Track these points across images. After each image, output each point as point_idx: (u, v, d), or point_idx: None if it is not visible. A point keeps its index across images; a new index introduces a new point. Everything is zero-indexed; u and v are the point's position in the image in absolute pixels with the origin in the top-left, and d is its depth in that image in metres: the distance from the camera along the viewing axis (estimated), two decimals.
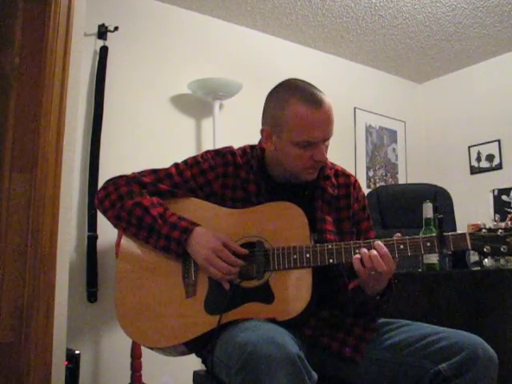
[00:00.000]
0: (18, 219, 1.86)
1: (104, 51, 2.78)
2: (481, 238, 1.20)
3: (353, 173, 1.55)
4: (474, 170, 3.86)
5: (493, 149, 3.75)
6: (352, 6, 3.17)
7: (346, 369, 1.31)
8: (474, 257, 2.02)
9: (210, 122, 3.08)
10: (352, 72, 3.92)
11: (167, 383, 2.69)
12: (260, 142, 1.46)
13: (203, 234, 1.31)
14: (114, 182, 1.42)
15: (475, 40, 3.57)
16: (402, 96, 4.21)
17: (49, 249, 1.86)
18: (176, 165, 1.45)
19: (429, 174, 4.03)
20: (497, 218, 2.76)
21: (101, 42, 2.79)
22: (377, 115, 3.98)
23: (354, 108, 3.87)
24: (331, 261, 1.26)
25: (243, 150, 1.48)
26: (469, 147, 3.89)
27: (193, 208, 1.40)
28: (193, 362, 1.83)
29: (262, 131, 1.39)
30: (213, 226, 1.34)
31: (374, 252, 1.21)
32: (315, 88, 1.35)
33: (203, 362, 1.42)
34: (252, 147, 1.48)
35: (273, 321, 1.21)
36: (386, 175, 3.99)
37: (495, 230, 1.20)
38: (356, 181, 1.50)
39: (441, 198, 2.77)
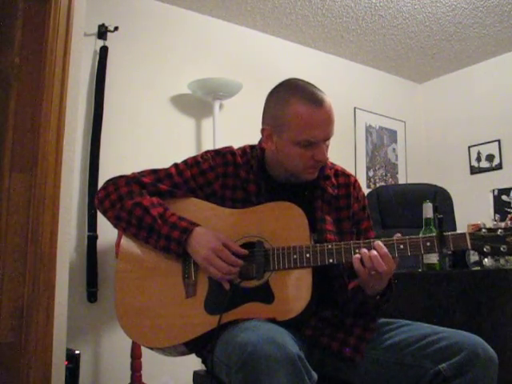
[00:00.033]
0: (18, 219, 1.86)
1: (104, 51, 2.78)
2: (481, 237, 1.20)
3: (353, 173, 1.55)
4: (474, 170, 3.86)
5: (493, 149, 3.75)
6: (352, 6, 3.17)
7: (345, 369, 1.31)
8: (474, 257, 2.01)
9: (210, 122, 3.08)
10: (352, 72, 3.93)
11: (167, 383, 2.69)
12: (260, 142, 1.46)
13: (203, 234, 1.31)
14: (113, 182, 1.42)
15: (475, 40, 3.57)
16: (402, 96, 4.21)
17: (49, 249, 1.86)
18: (176, 165, 1.45)
19: (429, 174, 4.03)
20: (497, 218, 2.76)
21: (101, 42, 2.80)
22: (377, 115, 3.98)
23: (354, 108, 3.87)
24: (331, 261, 1.26)
25: (243, 149, 1.48)
26: (469, 147, 3.89)
27: (193, 208, 1.40)
28: (193, 362, 1.84)
29: (263, 131, 1.39)
30: (213, 226, 1.34)
31: (374, 252, 1.21)
32: (316, 88, 1.35)
33: (203, 362, 1.42)
34: (252, 147, 1.48)
35: (273, 321, 1.21)
36: (386, 175, 3.99)
37: (495, 230, 1.20)
38: (356, 181, 1.50)
39: (441, 198, 2.77)
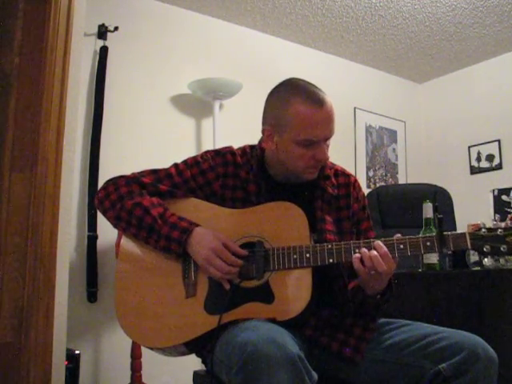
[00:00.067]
0: (18, 219, 1.86)
1: (104, 51, 2.78)
2: (480, 237, 1.20)
3: (353, 173, 1.55)
4: (474, 170, 3.86)
5: (493, 149, 3.75)
6: (352, 6, 3.17)
7: (346, 369, 1.31)
8: (474, 257, 2.01)
9: (210, 122, 3.08)
10: (352, 72, 3.93)
11: (167, 383, 2.69)
12: (260, 142, 1.46)
13: (203, 234, 1.31)
14: (113, 182, 1.42)
15: (475, 40, 3.57)
16: (402, 96, 4.21)
17: (49, 249, 1.86)
18: (176, 165, 1.45)
19: (429, 174, 4.03)
20: (497, 218, 2.76)
21: (101, 42, 2.80)
22: (377, 115, 3.98)
23: (354, 108, 3.87)
24: (331, 260, 1.26)
25: (243, 149, 1.48)
26: (469, 147, 3.89)
27: (193, 208, 1.40)
28: (193, 362, 1.83)
29: (263, 131, 1.39)
30: (213, 226, 1.34)
31: (374, 252, 1.21)
32: (316, 87, 1.35)
33: (203, 362, 1.42)
34: (252, 147, 1.48)
35: (273, 321, 1.21)
36: (386, 175, 3.99)
37: (495, 230, 1.20)
38: (356, 180, 1.50)
39: (441, 198, 2.77)
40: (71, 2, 2.01)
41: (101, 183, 1.47)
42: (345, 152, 3.72)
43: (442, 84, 4.20)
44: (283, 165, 1.38)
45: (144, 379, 2.42)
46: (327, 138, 1.34)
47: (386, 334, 1.31)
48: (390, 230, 2.66)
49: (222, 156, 1.44)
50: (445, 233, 1.21)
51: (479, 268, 1.99)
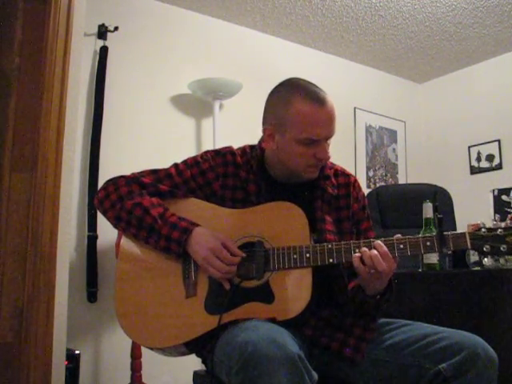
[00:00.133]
0: (18, 219, 1.86)
1: (104, 51, 2.78)
2: (480, 237, 1.20)
3: (353, 173, 1.55)
4: (474, 170, 3.86)
5: (493, 149, 3.75)
6: (352, 6, 3.17)
7: (346, 369, 1.31)
8: (474, 257, 2.02)
9: (210, 122, 3.08)
10: (352, 72, 3.93)
11: (167, 383, 2.69)
12: (260, 142, 1.46)
13: (203, 234, 1.31)
14: (113, 182, 1.42)
15: (475, 40, 3.57)
16: (401, 96, 4.21)
17: (49, 249, 1.86)
18: (176, 165, 1.45)
19: (429, 174, 4.03)
20: (497, 218, 2.76)
21: (101, 42, 2.80)
22: (377, 115, 3.98)
23: (354, 108, 3.87)
24: (331, 260, 1.26)
25: (243, 149, 1.48)
26: (469, 147, 3.89)
27: (193, 208, 1.40)
28: (193, 362, 1.83)
29: (264, 130, 1.39)
30: (213, 226, 1.34)
31: (375, 251, 1.21)
32: (317, 87, 1.36)
33: (203, 362, 1.42)
34: (252, 147, 1.49)
35: (273, 321, 1.21)
36: (385, 175, 3.99)
37: (495, 230, 1.20)
38: (356, 180, 1.50)
39: (441, 198, 2.77)
40: (71, 2, 2.01)
41: (101, 183, 1.47)
42: (345, 152, 3.72)
43: (442, 84, 4.20)
44: (284, 164, 1.38)
45: (144, 379, 2.42)
46: (328, 137, 1.34)
47: (386, 334, 1.31)
48: (390, 230, 2.66)
49: (222, 156, 1.44)
50: (445, 233, 1.21)
51: (479, 268, 2.00)
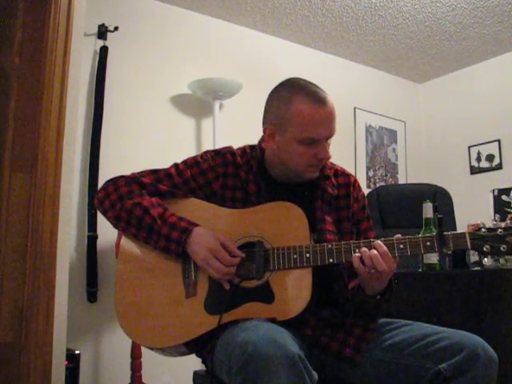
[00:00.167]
0: (18, 219, 1.86)
1: (104, 51, 2.78)
2: (480, 237, 1.20)
3: (353, 173, 1.55)
4: (474, 170, 3.86)
5: (493, 149, 3.75)
6: (352, 6, 3.17)
7: (346, 369, 1.31)
8: (474, 257, 2.02)
9: (210, 122, 3.08)
10: (352, 72, 3.93)
11: (168, 383, 2.69)
12: (260, 142, 1.46)
13: (202, 234, 1.31)
14: (113, 182, 1.42)
15: (475, 40, 3.57)
16: (402, 96, 4.21)
17: (49, 249, 1.86)
18: (176, 165, 1.45)
19: (429, 174, 4.03)
20: (497, 218, 2.76)
21: (101, 42, 2.80)
22: (377, 115, 3.98)
23: (354, 108, 3.87)
24: (331, 260, 1.26)
25: (243, 150, 1.48)
26: (469, 147, 3.89)
27: (192, 208, 1.40)
28: (193, 362, 1.84)
29: (265, 130, 1.40)
30: (212, 226, 1.34)
31: (374, 251, 1.21)
32: (317, 86, 1.36)
33: (203, 362, 1.42)
34: (252, 147, 1.49)
35: (273, 321, 1.21)
36: (385, 175, 3.99)
37: (495, 230, 1.20)
38: (356, 180, 1.50)
39: (441, 198, 2.77)
40: (71, 2, 2.01)
41: (101, 183, 1.48)
42: (345, 152, 3.72)
43: (442, 84, 4.20)
44: (284, 164, 1.38)
45: (144, 379, 2.42)
46: (329, 137, 1.34)
47: (386, 334, 1.31)
48: (390, 230, 2.66)
49: (222, 156, 1.44)
50: (445, 233, 1.21)
51: (479, 268, 2.00)
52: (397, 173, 4.06)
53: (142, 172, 1.45)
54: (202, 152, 1.48)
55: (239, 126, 3.13)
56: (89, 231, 2.60)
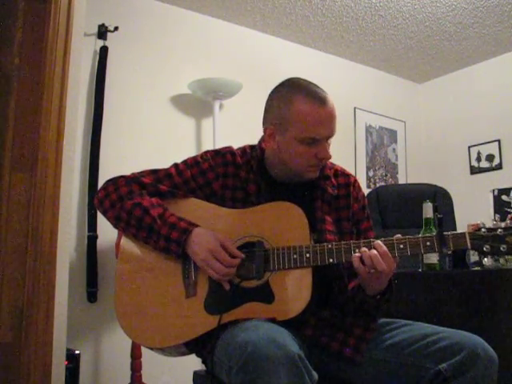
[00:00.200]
0: (18, 219, 1.86)
1: (104, 51, 2.78)
2: (480, 237, 1.20)
3: (353, 173, 1.55)
4: (474, 170, 3.86)
5: (493, 149, 3.75)
6: (352, 6, 3.17)
7: (346, 369, 1.31)
8: (474, 257, 2.02)
9: (210, 122, 3.08)
10: (352, 72, 3.93)
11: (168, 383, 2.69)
12: (260, 142, 1.46)
13: (202, 234, 1.31)
14: (113, 182, 1.42)
15: (475, 40, 3.57)
16: (402, 96, 4.21)
17: (49, 249, 1.86)
18: (176, 165, 1.45)
19: (429, 174, 4.03)
20: (497, 218, 2.76)
21: (101, 42, 2.80)
22: (377, 115, 3.98)
23: (354, 108, 3.87)
24: (331, 260, 1.26)
25: (243, 150, 1.48)
26: (469, 147, 3.89)
27: (192, 208, 1.40)
28: (193, 362, 1.84)
29: (265, 130, 1.40)
30: (212, 226, 1.34)
31: (374, 251, 1.21)
32: (317, 86, 1.36)
33: (203, 362, 1.42)
34: (252, 147, 1.49)
35: (273, 321, 1.21)
36: (385, 175, 3.99)
37: (495, 230, 1.20)
38: (356, 180, 1.50)
39: (441, 198, 2.77)
40: (71, 2, 2.01)
41: (101, 183, 1.47)
42: (345, 152, 3.72)
43: (442, 84, 4.20)
44: (284, 164, 1.38)
45: (144, 379, 2.42)
46: (329, 137, 1.35)
47: (386, 334, 1.31)
48: (390, 230, 2.66)
49: (222, 156, 1.44)
50: (445, 233, 1.21)
51: (479, 268, 1.99)
52: (397, 173, 4.06)
53: (142, 172, 1.45)
54: (201, 152, 1.48)
55: (239, 126, 3.13)
56: (89, 231, 2.60)
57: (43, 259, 1.84)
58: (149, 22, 3.03)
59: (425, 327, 1.29)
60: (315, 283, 1.26)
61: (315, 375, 1.09)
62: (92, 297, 2.56)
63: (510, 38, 3.55)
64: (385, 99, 4.07)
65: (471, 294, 1.92)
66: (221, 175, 1.42)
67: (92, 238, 2.59)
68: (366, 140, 3.92)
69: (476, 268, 2.00)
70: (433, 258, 2.04)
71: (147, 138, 2.91)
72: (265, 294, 1.26)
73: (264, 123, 1.41)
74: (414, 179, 4.02)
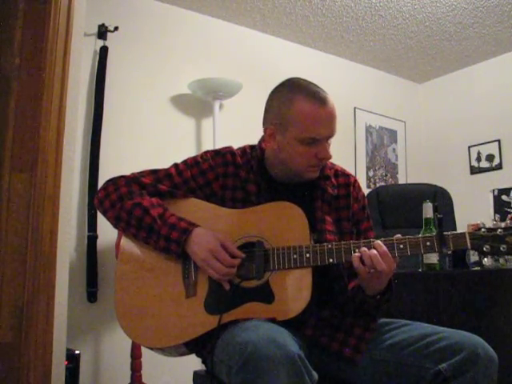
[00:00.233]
0: (18, 219, 1.85)
1: (104, 51, 2.78)
2: (480, 237, 1.20)
3: (353, 173, 1.55)
4: (474, 170, 3.86)
5: (493, 149, 3.75)
6: (352, 6, 3.17)
7: (346, 369, 1.31)
8: (474, 257, 2.02)
9: (210, 122, 3.08)
10: (352, 72, 3.93)
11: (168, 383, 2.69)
12: (260, 142, 1.46)
13: (202, 234, 1.31)
14: (113, 182, 1.42)
15: (475, 40, 3.57)
16: (401, 96, 4.21)
17: (49, 249, 1.86)
18: (176, 165, 1.45)
19: (429, 174, 4.03)
20: (497, 218, 2.76)
21: (101, 42, 2.80)
22: (377, 115, 3.98)
23: (354, 108, 3.87)
24: (331, 260, 1.26)
25: (243, 150, 1.48)
26: (469, 147, 3.89)
27: (192, 208, 1.40)
28: (193, 362, 1.84)
29: (265, 130, 1.40)
30: (212, 226, 1.34)
31: (374, 251, 1.21)
32: (318, 86, 1.36)
33: (203, 362, 1.42)
34: (252, 147, 1.49)
35: (273, 321, 1.21)
36: (385, 175, 3.99)
37: (494, 230, 1.20)
38: (356, 181, 1.50)
39: (441, 198, 2.77)
40: (71, 2, 2.01)
41: (101, 183, 1.48)
42: (345, 152, 3.72)
43: (442, 84, 4.20)
44: (285, 164, 1.38)
45: (144, 379, 2.42)
46: (329, 137, 1.35)
47: (386, 334, 1.31)
48: (390, 230, 2.66)
49: (222, 156, 1.44)
50: (445, 233, 1.21)
51: (479, 268, 2.00)
52: (397, 173, 4.06)
53: (142, 172, 1.45)
54: (201, 152, 1.48)
55: (239, 126, 3.13)
56: (89, 231, 2.60)
57: (43, 259, 1.84)
58: (149, 22, 3.03)
59: (425, 327, 1.29)
60: (315, 283, 1.26)
61: (315, 375, 1.09)
62: (92, 297, 2.56)
63: (510, 38, 3.55)
64: (385, 99, 4.07)
65: (471, 294, 1.92)
66: (221, 175, 1.42)
67: (92, 238, 2.60)
68: (366, 140, 3.92)
69: (476, 268, 2.00)
70: (433, 258, 2.04)
71: (147, 137, 2.91)
72: (265, 294, 1.26)
73: (264, 123, 1.41)
74: (414, 179, 4.02)
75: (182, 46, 3.13)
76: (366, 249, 1.23)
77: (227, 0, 3.08)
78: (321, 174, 1.43)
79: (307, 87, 1.35)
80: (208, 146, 3.00)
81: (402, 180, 4.07)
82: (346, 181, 1.48)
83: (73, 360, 2.14)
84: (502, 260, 1.95)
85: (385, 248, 1.22)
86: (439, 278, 2.03)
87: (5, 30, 1.93)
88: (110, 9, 2.88)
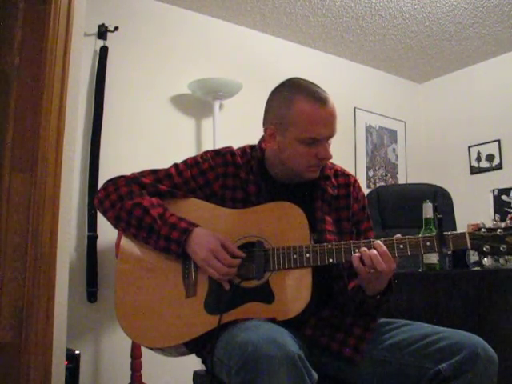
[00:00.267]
0: (18, 219, 1.86)
1: (104, 51, 2.78)
2: (480, 237, 1.20)
3: (353, 173, 1.55)
4: (474, 170, 3.86)
5: (493, 149, 3.75)
6: (352, 6, 3.17)
7: (345, 369, 1.31)
8: (473, 257, 2.02)
9: (210, 122, 3.08)
10: (352, 72, 3.93)
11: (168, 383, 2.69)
12: (260, 142, 1.46)
13: (202, 234, 1.31)
14: (113, 182, 1.42)
15: (475, 40, 3.57)
16: (401, 96, 4.21)
17: (49, 249, 1.86)
18: (176, 165, 1.45)
19: (429, 174, 4.03)
20: (497, 218, 2.76)
21: (101, 42, 2.80)
22: (377, 115, 3.98)
23: (354, 108, 3.87)
24: (331, 260, 1.26)
25: (243, 150, 1.48)
26: (469, 147, 3.89)
27: (193, 208, 1.40)
28: (193, 362, 1.84)
29: (266, 130, 1.40)
30: (213, 226, 1.34)
31: (374, 251, 1.21)
32: (318, 86, 1.36)
33: (203, 362, 1.42)
34: (252, 147, 1.49)
35: (273, 321, 1.21)
36: (385, 175, 3.99)
37: (494, 230, 1.20)
38: (356, 181, 1.50)
39: (441, 198, 2.77)
40: (71, 2, 2.01)
41: (101, 183, 1.48)
42: (345, 152, 3.72)
43: (442, 84, 4.20)
44: (285, 164, 1.38)
45: (144, 379, 2.42)
46: (330, 137, 1.35)
47: (386, 334, 1.31)
48: (390, 230, 2.66)
49: (222, 156, 1.44)
50: (445, 233, 1.21)
51: (479, 268, 1.99)
52: (397, 173, 4.06)
53: (142, 172, 1.45)
54: (201, 152, 1.48)
55: (239, 126, 3.13)
56: (89, 231, 2.60)
57: (43, 259, 1.84)
58: (149, 22, 3.03)
59: (424, 327, 1.29)
60: (315, 283, 1.26)
61: (315, 375, 1.09)
62: (92, 297, 2.56)
63: (510, 38, 3.55)
64: (385, 99, 4.07)
65: (471, 294, 1.92)
66: (221, 175, 1.42)
67: (92, 238, 2.60)
68: (366, 140, 3.92)
69: (476, 268, 2.00)
70: (433, 258, 2.03)
71: (147, 138, 2.91)
72: (265, 294, 1.26)
73: (264, 123, 1.41)
74: (414, 179, 4.02)
75: (182, 46, 3.13)
76: (365, 249, 1.23)
77: (227, 0, 3.08)
78: (321, 174, 1.43)
79: (307, 87, 1.35)
80: (208, 146, 3.00)
81: (402, 180, 4.07)
82: (345, 181, 1.48)
83: (73, 360, 2.14)
84: (502, 260, 1.95)
85: (385, 248, 1.22)
86: (439, 278, 2.03)
87: (5, 30, 1.93)
88: (109, 9, 2.88)
